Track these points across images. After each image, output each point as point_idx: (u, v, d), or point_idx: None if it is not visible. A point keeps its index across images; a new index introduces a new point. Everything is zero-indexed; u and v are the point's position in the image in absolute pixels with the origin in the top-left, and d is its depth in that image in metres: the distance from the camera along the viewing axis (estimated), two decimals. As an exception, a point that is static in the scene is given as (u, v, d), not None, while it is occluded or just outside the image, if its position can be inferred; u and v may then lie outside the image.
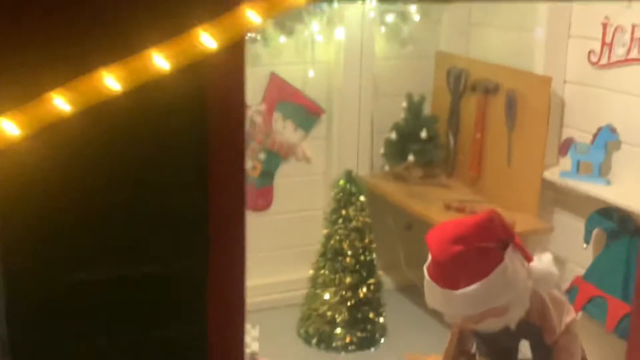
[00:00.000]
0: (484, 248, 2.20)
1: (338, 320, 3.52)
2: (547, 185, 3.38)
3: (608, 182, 3.16)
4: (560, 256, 3.49)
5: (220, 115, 0.89)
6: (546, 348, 2.53)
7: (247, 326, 3.16)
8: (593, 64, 3.22)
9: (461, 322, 2.39)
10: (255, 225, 3.95)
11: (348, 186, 3.53)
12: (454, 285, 2.20)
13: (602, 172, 3.18)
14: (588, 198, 3.16)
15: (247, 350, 2.94)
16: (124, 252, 0.90)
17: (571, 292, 3.23)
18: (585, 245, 3.24)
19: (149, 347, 0.95)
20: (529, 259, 2.34)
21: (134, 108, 0.82)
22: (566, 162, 3.30)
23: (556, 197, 3.49)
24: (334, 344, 3.53)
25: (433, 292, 2.27)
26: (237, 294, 0.96)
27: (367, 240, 3.57)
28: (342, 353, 3.52)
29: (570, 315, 2.46)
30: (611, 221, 3.11)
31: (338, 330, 3.52)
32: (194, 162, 0.90)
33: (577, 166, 3.24)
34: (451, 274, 2.21)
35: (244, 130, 0.91)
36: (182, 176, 0.90)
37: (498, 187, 3.63)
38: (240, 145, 0.91)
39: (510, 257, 2.23)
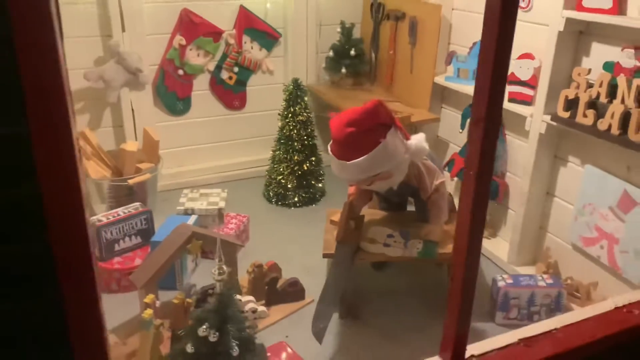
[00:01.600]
0: (370, 129, 1.96)
1: (289, 185, 3.33)
2: (437, 87, 3.10)
3: (479, 84, 2.89)
4: (445, 139, 3.27)
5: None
6: (423, 203, 2.36)
7: (218, 190, 2.97)
8: (472, -6, 2.88)
9: (357, 184, 2.19)
10: (234, 120, 3.71)
11: (295, 90, 3.25)
12: (347, 158, 1.99)
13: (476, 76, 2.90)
14: (465, 96, 2.90)
15: (216, 207, 2.76)
16: None
17: (450, 163, 3.03)
18: (460, 131, 3.01)
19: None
20: (407, 137, 2.12)
21: None
22: (450, 70, 3.01)
23: (443, 96, 3.22)
24: (287, 202, 3.35)
25: (334, 163, 2.07)
26: (65, 143, 0.72)
27: (309, 130, 3.33)
28: (292, 208, 3.35)
29: (440, 179, 2.27)
30: (480, 112, 2.86)
31: (290, 192, 3.35)
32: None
33: (458, 72, 2.95)
34: (345, 149, 1.99)
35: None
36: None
37: (404, 90, 3.35)
38: None
39: (392, 136, 2.01)
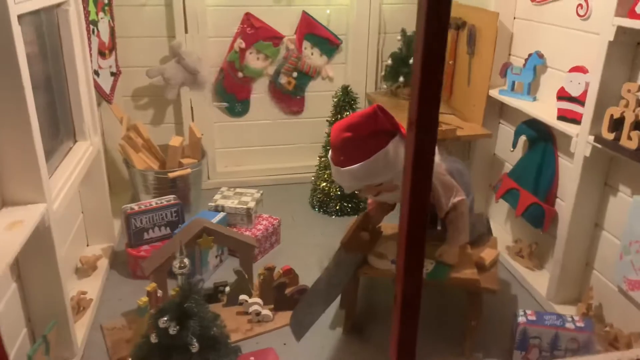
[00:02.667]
0: (368, 135, 1.87)
1: (332, 194, 3.28)
2: (494, 102, 2.88)
3: (534, 99, 2.64)
4: (501, 157, 3.03)
5: None
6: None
7: (253, 190, 3.00)
8: (533, 1, 2.64)
9: (361, 193, 2.08)
10: (291, 125, 3.75)
11: (344, 97, 3.20)
12: (343, 164, 1.91)
13: (531, 90, 2.65)
14: (520, 111, 2.66)
15: (245, 207, 2.80)
16: None
17: (498, 184, 2.79)
18: (511, 149, 2.77)
19: None
20: (416, 148, 1.98)
21: None
22: (506, 82, 2.78)
23: (502, 111, 2.99)
24: (328, 210, 3.31)
25: (332, 169, 1.99)
26: None
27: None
28: (333, 216, 3.30)
29: (459, 196, 2.09)
30: (533, 130, 2.62)
31: (332, 201, 3.30)
32: None
33: (513, 85, 2.72)
34: (341, 154, 1.91)
35: None
36: None
37: (461, 103, 3.17)
38: None
39: (395, 145, 1.89)
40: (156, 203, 2.71)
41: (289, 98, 3.68)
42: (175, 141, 2.98)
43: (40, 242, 1.79)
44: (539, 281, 2.55)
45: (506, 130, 2.95)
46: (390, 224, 2.45)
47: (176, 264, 1.57)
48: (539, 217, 2.51)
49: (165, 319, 1.58)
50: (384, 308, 2.44)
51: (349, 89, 3.22)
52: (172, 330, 1.59)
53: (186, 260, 1.58)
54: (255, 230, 2.79)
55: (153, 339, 1.62)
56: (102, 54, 2.87)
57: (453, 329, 2.28)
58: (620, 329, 2.10)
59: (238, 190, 2.98)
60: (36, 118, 1.74)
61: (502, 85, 2.86)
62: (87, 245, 2.83)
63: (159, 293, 2.19)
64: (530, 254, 2.66)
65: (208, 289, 2.43)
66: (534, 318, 2.08)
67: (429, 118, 1.11)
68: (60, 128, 2.34)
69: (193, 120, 3.52)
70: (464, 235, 2.12)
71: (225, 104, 3.56)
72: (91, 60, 2.69)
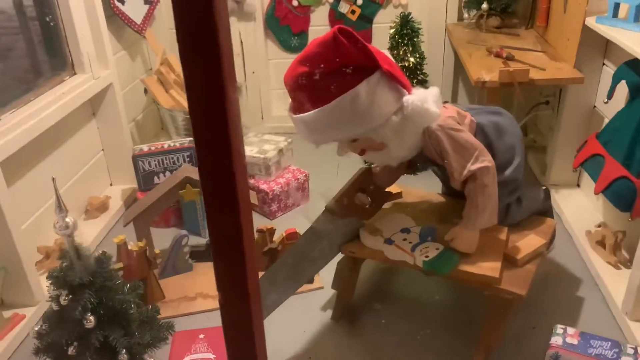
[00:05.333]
0: (332, 71, 1.38)
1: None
2: (594, 35, 2.12)
3: (643, 29, 1.87)
4: (602, 111, 2.28)
5: None
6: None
7: (281, 138, 2.64)
8: None
9: (338, 151, 1.59)
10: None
11: (401, 28, 2.63)
12: (296, 109, 1.46)
13: (641, 17, 1.88)
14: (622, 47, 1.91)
15: (262, 156, 2.47)
16: None
17: (582, 146, 2.10)
18: (605, 100, 2.03)
19: None
20: (407, 90, 1.45)
21: None
22: (607, 6, 2.02)
23: (607, 49, 2.21)
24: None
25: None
26: None
27: (420, 78, 2.68)
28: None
29: (480, 163, 1.53)
30: (637, 75, 1.86)
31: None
32: None
33: (616, 10, 1.96)
34: (295, 96, 1.45)
35: None
36: None
37: (556, 36, 2.43)
38: None
39: (370, 86, 1.39)
40: (168, 145, 2.50)
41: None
42: (201, 77, 2.71)
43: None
44: (619, 284, 1.88)
45: (607, 74, 2.19)
46: (422, 192, 1.96)
47: (56, 223, 1.31)
48: (626, 196, 1.81)
49: (54, 287, 1.35)
50: (391, 297, 1.99)
51: (409, 17, 2.64)
52: (63, 301, 1.36)
53: (69, 220, 1.32)
54: (273, 184, 2.46)
55: (54, 305, 1.41)
56: (129, -22, 2.66)
57: (470, 335, 1.76)
58: None
59: (266, 137, 2.65)
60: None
61: (604, 13, 2.09)
62: (111, 185, 2.75)
63: (130, 245, 1.99)
64: (614, 245, 1.97)
65: (200, 246, 2.19)
66: (574, 341, 1.49)
67: (209, 40, 0.66)
68: (50, 58, 2.20)
69: (243, 56, 3.22)
70: (487, 215, 1.57)
71: None
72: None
